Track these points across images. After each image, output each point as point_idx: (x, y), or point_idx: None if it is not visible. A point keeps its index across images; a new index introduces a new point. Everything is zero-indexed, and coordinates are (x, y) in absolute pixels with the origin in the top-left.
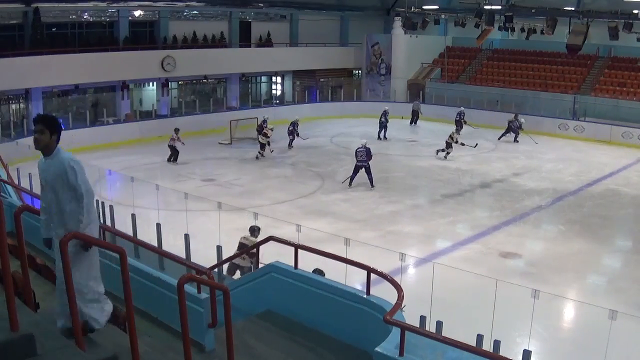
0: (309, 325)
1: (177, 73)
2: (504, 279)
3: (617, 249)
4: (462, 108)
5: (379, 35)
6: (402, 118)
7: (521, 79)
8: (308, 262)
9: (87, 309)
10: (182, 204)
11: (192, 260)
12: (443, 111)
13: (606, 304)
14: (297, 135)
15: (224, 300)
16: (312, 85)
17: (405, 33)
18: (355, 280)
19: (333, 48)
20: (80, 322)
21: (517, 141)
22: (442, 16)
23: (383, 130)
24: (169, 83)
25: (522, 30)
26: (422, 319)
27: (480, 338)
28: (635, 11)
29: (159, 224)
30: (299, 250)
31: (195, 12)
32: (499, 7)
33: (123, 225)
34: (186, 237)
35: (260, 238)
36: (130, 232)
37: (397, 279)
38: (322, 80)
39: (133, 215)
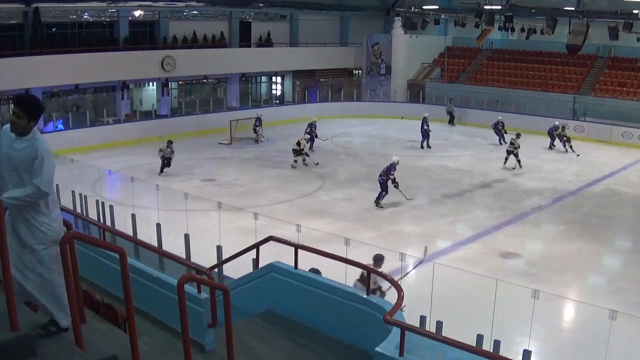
0: (309, 325)
1: (177, 73)
2: (504, 279)
3: (617, 249)
4: (500, 117)
5: (379, 35)
6: (402, 118)
7: (521, 79)
8: (308, 262)
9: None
10: (182, 204)
11: (192, 260)
12: (443, 111)
13: (606, 304)
14: (316, 136)
15: (224, 300)
16: (312, 85)
17: (405, 33)
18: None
19: (333, 48)
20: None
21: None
22: (442, 16)
23: (426, 140)
24: (169, 83)
25: (522, 30)
26: (422, 319)
27: (480, 338)
28: (635, 11)
29: (159, 224)
30: (299, 250)
31: (195, 12)
32: (499, 7)
33: (123, 225)
34: (186, 237)
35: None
36: (130, 232)
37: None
38: (322, 80)
39: (133, 216)
